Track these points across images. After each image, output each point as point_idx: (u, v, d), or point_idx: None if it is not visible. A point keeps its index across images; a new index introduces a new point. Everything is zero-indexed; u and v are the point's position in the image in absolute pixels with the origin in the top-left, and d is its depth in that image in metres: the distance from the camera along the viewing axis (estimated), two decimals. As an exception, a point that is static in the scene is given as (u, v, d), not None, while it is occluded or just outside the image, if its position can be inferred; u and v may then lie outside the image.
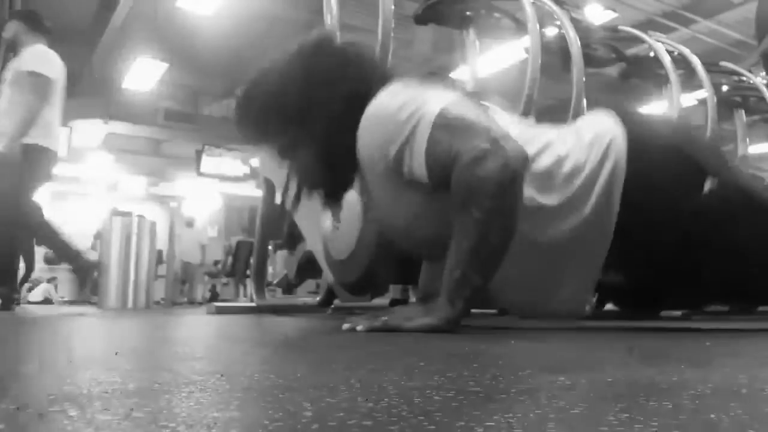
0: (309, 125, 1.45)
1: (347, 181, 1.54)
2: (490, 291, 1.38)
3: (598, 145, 1.42)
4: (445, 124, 1.31)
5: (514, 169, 1.26)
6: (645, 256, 1.45)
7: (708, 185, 1.39)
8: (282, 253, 5.88)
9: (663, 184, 1.41)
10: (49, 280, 10.42)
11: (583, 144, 1.44)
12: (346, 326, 1.36)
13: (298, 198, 1.55)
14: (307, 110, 1.45)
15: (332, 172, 1.50)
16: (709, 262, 1.42)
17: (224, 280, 11.23)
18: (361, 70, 1.47)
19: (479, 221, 1.25)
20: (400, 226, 1.50)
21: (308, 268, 3.42)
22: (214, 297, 10.93)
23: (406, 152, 1.34)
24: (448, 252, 1.31)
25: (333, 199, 1.58)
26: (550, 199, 1.41)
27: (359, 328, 1.32)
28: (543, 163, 1.42)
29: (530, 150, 1.37)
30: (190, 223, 10.56)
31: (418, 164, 1.34)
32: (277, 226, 3.76)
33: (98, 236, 8.75)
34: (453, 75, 10.74)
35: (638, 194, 1.39)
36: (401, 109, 1.34)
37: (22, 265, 7.31)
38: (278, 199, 3.47)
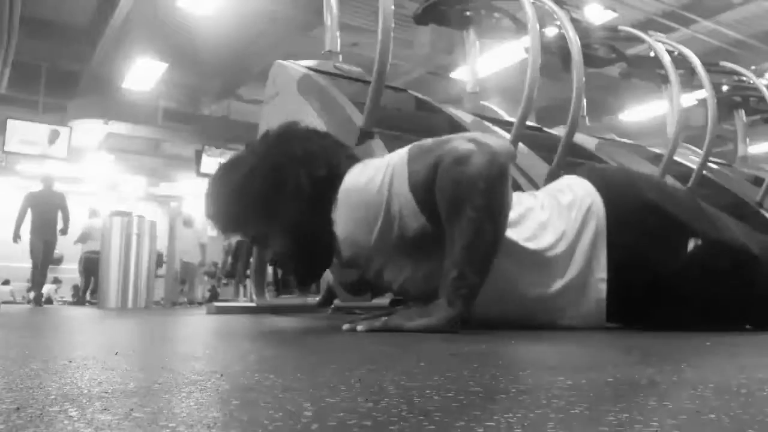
0: (279, 214, 1.44)
1: (324, 264, 1.53)
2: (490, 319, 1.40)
3: (577, 210, 1.44)
4: (418, 153, 1.32)
5: (501, 163, 1.27)
6: (640, 313, 1.47)
7: (692, 244, 1.39)
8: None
9: (646, 245, 1.41)
10: (52, 281, 10.44)
11: (562, 210, 1.45)
12: (346, 326, 1.36)
13: (286, 283, 1.57)
14: (275, 200, 1.43)
15: (308, 258, 1.49)
16: (702, 318, 1.42)
17: (224, 280, 11.22)
18: (326, 154, 1.46)
19: (473, 220, 1.25)
20: (393, 287, 1.52)
21: None
22: (214, 297, 10.93)
23: (393, 210, 1.34)
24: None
25: (309, 281, 1.57)
26: (532, 266, 1.42)
27: (359, 328, 1.32)
28: (525, 230, 1.43)
29: (512, 215, 1.37)
30: (188, 223, 10.55)
31: (406, 201, 1.33)
32: None
33: (82, 238, 8.76)
34: (453, 75, 10.77)
35: (623, 256, 1.41)
36: (371, 180, 1.35)
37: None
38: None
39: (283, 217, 1.43)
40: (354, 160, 1.48)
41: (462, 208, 1.26)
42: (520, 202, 1.46)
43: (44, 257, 7.60)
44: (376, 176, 1.35)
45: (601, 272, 1.42)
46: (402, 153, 1.36)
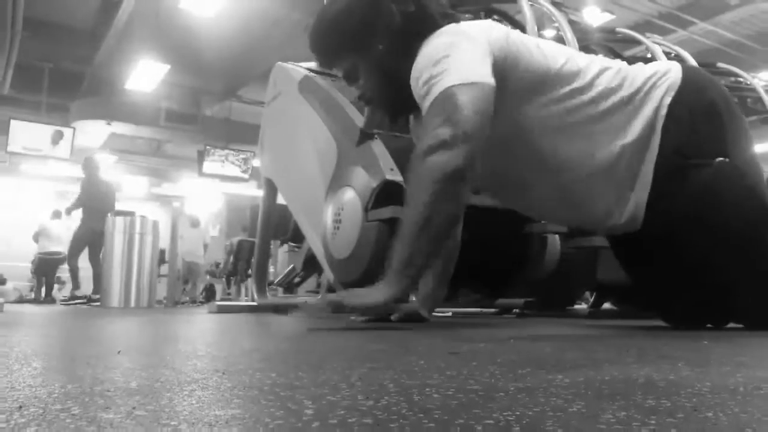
0: (371, 48, 1.54)
1: (407, 104, 1.58)
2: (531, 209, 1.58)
3: (656, 76, 1.53)
4: (441, 100, 1.38)
5: (457, 167, 1.32)
6: (661, 191, 1.52)
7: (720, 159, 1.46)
8: (284, 250, 5.93)
9: (689, 136, 1.49)
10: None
11: (645, 73, 1.54)
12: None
13: (375, 119, 1.70)
14: (368, 33, 1.54)
15: (393, 95, 1.58)
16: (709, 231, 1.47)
17: (233, 279, 11.14)
18: (424, 7, 1.54)
19: (425, 204, 1.33)
20: None
21: (315, 263, 3.45)
22: (211, 295, 10.89)
23: (425, 90, 1.42)
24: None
25: (398, 117, 1.71)
26: (607, 121, 1.49)
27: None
28: (604, 81, 1.50)
29: (594, 68, 1.51)
30: (195, 223, 10.53)
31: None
32: (282, 222, 3.81)
33: (34, 237, 8.84)
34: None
35: (674, 133, 1.48)
36: (440, 60, 1.41)
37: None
38: (280, 199, 3.48)
39: (375, 51, 1.54)
40: (448, 18, 1.54)
41: (418, 191, 1.35)
42: (593, 62, 1.55)
43: (91, 248, 6.86)
44: (441, 63, 1.40)
45: (656, 136, 1.49)
46: (444, 82, 1.38)
